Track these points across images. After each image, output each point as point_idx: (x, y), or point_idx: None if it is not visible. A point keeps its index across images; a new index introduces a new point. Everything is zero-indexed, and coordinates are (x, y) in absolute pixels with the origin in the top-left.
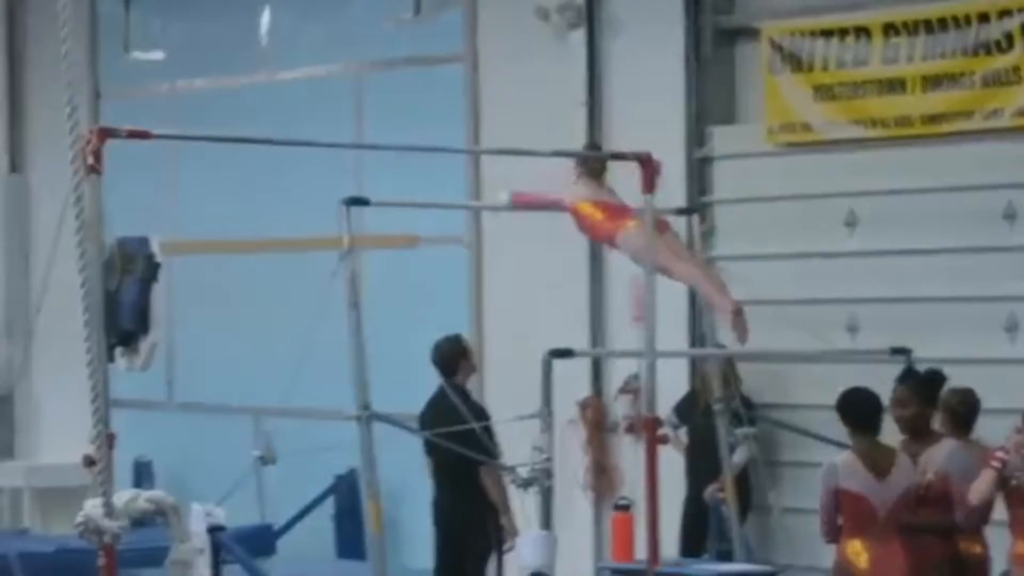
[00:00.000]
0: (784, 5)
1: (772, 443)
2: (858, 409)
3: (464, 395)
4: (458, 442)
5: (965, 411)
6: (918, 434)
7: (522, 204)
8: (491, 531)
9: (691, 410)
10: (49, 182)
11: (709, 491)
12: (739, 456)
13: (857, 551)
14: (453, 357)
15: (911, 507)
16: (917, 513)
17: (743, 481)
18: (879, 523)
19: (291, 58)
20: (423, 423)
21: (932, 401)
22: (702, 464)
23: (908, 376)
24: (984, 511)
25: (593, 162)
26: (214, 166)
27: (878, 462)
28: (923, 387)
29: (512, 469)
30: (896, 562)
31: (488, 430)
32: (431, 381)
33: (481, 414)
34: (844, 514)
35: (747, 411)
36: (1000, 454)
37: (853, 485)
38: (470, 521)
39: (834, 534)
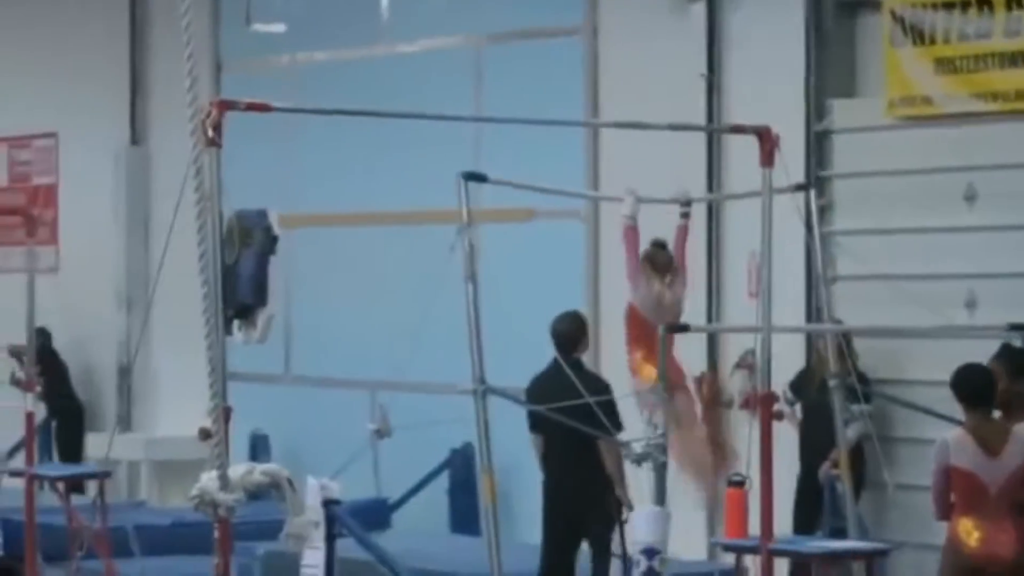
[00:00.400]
0: None
1: (887, 419)
2: (971, 385)
3: (583, 370)
4: (579, 417)
5: None
6: (1008, 410)
7: (626, 238)
8: (611, 503)
9: (807, 386)
10: (169, 154)
11: (824, 468)
12: (853, 432)
13: (968, 530)
14: (574, 334)
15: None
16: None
17: (857, 458)
18: (991, 501)
19: (410, 30)
20: (536, 399)
21: (1022, 377)
22: (816, 440)
23: (1002, 352)
24: None
25: (659, 258)
26: (333, 138)
27: (989, 439)
28: (1012, 363)
29: (627, 444)
30: (1007, 541)
31: (610, 402)
32: (546, 355)
33: (603, 387)
34: (955, 491)
35: (863, 387)
36: None
37: (964, 462)
38: (592, 496)
39: (945, 511)
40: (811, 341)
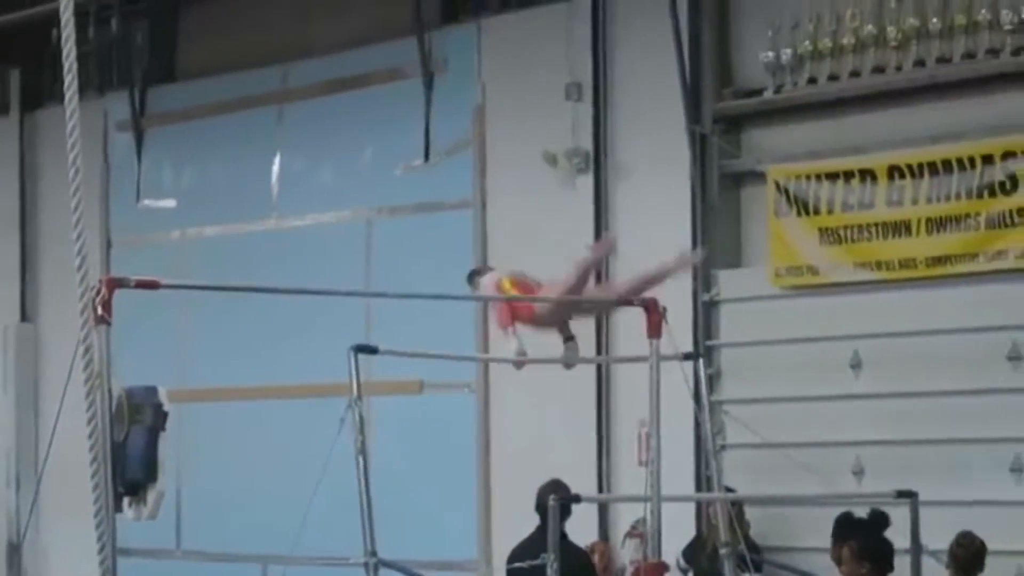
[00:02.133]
0: (790, 148)
1: None
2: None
3: (566, 540)
4: None
5: (965, 555)
6: None
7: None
8: None
9: (698, 554)
10: (59, 331)
11: None
12: None
13: None
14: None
15: None
16: None
17: None
18: None
19: (301, 205)
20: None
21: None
22: None
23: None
24: None
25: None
26: (224, 313)
27: None
28: (859, 541)
29: None
30: None
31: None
32: (440, 526)
33: (585, 560)
34: None
35: (753, 555)
36: None
37: None
38: None
39: None
40: (702, 509)
